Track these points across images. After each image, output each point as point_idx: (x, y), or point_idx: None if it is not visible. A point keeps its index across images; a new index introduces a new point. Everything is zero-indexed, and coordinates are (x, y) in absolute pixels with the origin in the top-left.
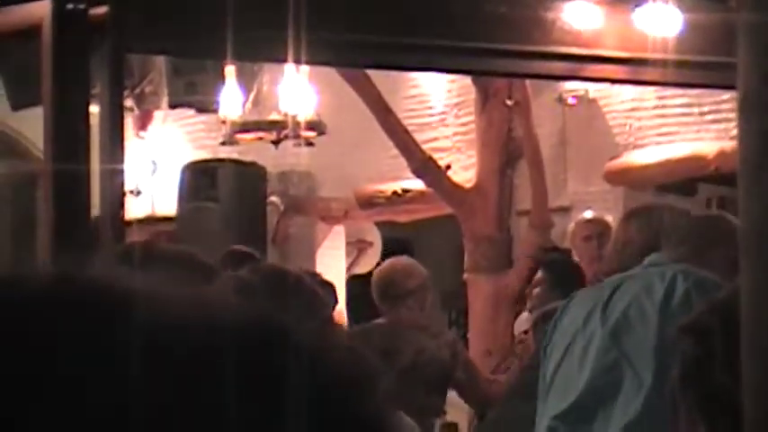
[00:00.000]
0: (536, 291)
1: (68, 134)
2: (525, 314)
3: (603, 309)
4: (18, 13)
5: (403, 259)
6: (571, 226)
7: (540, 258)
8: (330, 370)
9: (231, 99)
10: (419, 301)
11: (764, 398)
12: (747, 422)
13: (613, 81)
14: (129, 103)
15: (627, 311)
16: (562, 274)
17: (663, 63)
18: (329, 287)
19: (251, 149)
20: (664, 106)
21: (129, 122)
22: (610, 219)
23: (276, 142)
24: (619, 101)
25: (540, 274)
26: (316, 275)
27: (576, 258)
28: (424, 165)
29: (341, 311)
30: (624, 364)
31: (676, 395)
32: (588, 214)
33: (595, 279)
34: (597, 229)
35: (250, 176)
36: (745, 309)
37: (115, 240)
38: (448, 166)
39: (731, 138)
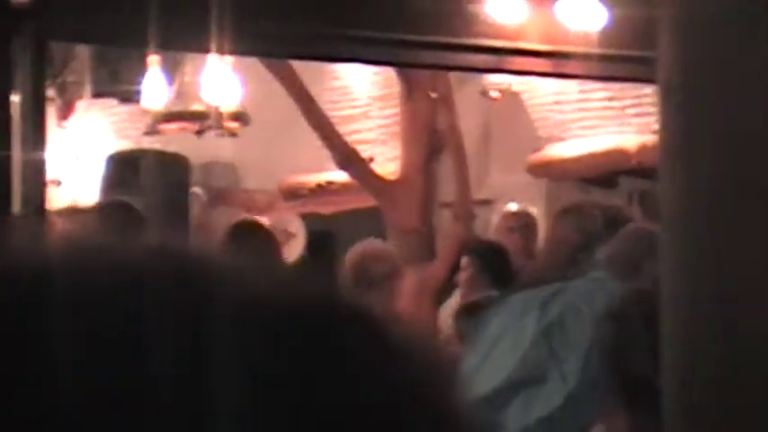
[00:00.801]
0: (464, 275)
1: None
2: (452, 301)
3: (541, 308)
4: None
5: (375, 243)
6: (495, 218)
7: (467, 245)
8: (418, 359)
9: (154, 89)
10: (391, 288)
11: (683, 384)
12: (667, 408)
13: (536, 74)
14: (51, 92)
15: (564, 314)
16: (490, 258)
17: (585, 56)
18: None
19: (174, 140)
20: (586, 100)
21: (52, 112)
22: (534, 211)
23: (199, 133)
24: (542, 94)
25: (465, 259)
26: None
27: None
28: (347, 157)
29: None
30: (552, 361)
31: (598, 382)
32: (513, 206)
33: (524, 274)
34: (522, 220)
35: (173, 167)
36: (666, 293)
37: (36, 230)
38: (371, 159)
39: (653, 132)
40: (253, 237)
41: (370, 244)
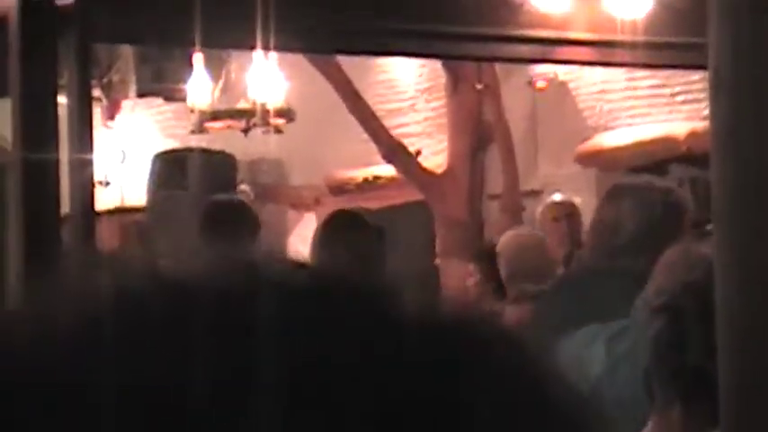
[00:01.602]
0: (472, 281)
1: (36, 125)
2: None
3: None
4: None
5: (534, 233)
6: (539, 208)
7: (474, 252)
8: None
9: (199, 87)
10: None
11: (739, 375)
12: (722, 400)
13: (583, 63)
14: (97, 92)
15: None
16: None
17: (632, 44)
18: None
19: (220, 138)
20: (634, 88)
21: (98, 112)
22: (578, 201)
23: (245, 130)
24: (589, 83)
25: (471, 266)
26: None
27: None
28: (394, 150)
29: None
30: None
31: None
32: (557, 197)
33: (569, 258)
34: (565, 210)
35: (220, 165)
36: (719, 283)
37: (86, 232)
38: (418, 152)
39: (702, 118)
40: (354, 230)
41: (525, 233)
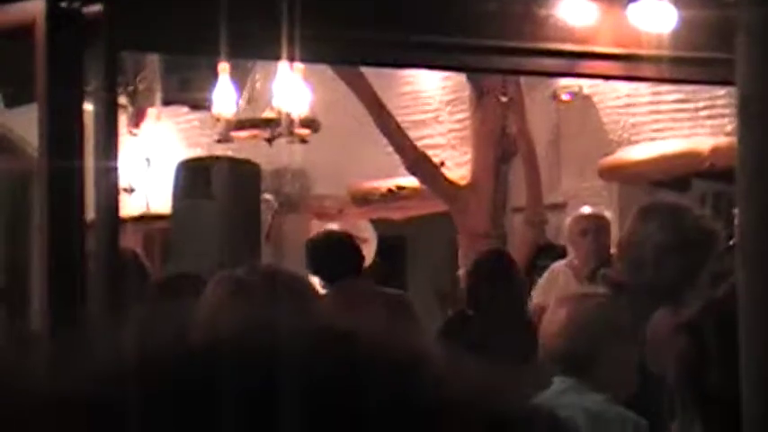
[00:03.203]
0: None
1: (62, 132)
2: None
3: None
4: (12, 12)
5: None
6: (567, 221)
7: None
8: None
9: (225, 96)
10: None
11: (764, 395)
12: (746, 420)
13: (607, 77)
14: (122, 100)
15: None
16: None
17: (657, 59)
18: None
19: (245, 147)
20: (658, 102)
21: (123, 120)
22: (608, 214)
23: (270, 140)
24: (613, 97)
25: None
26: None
27: (571, 252)
28: (418, 162)
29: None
30: None
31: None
32: (586, 210)
33: (594, 274)
34: (594, 223)
35: (244, 174)
36: (743, 306)
37: (111, 239)
38: (442, 163)
39: (726, 134)
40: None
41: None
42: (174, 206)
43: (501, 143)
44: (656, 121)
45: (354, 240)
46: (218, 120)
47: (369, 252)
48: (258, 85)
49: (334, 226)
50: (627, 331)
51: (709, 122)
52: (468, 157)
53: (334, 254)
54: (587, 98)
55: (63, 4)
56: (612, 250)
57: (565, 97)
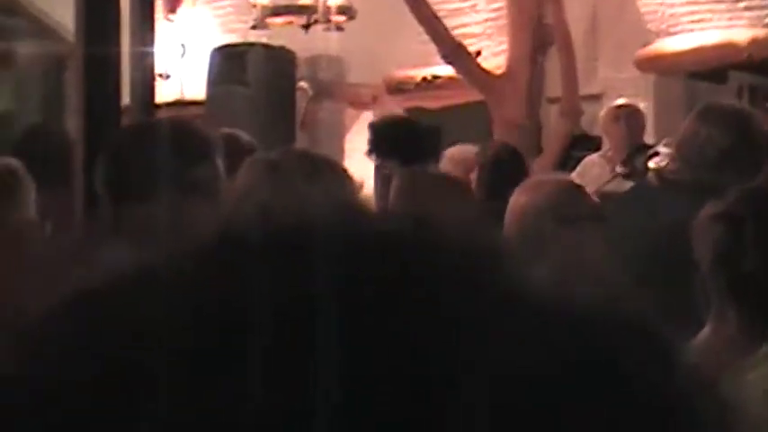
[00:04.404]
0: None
1: (99, 17)
2: None
3: None
4: None
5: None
6: (602, 112)
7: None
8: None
9: None
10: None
11: None
12: None
13: None
14: None
15: None
16: (501, 163)
17: None
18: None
19: (281, 34)
20: None
21: (159, 5)
22: (642, 105)
23: (306, 26)
24: None
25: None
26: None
27: (606, 143)
28: (453, 51)
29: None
30: None
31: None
32: (620, 101)
33: (629, 160)
34: (626, 111)
35: (279, 61)
36: None
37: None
38: (478, 53)
39: (764, 25)
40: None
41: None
42: (209, 92)
43: (537, 33)
44: (694, 12)
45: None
46: (254, 6)
47: None
48: None
49: (368, 114)
50: (582, 217)
51: (747, 14)
52: (505, 46)
53: (417, 135)
54: None
55: None
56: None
57: None
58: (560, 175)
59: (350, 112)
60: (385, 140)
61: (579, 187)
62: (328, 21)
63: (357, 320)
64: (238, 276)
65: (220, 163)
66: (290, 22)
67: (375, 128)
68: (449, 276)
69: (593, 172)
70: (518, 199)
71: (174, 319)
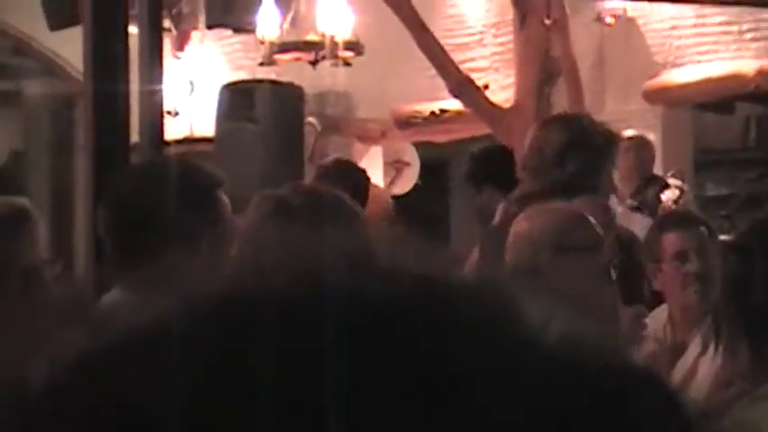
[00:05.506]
0: None
1: (107, 54)
2: None
3: None
4: None
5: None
6: None
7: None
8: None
9: (269, 19)
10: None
11: None
12: None
13: (652, 0)
14: (166, 23)
15: None
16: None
17: None
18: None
19: (289, 70)
20: (703, 24)
21: (167, 43)
22: (651, 137)
23: (314, 63)
24: (657, 20)
25: None
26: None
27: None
28: (461, 85)
29: None
30: None
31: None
32: (628, 132)
33: (638, 192)
34: (636, 141)
35: (288, 97)
36: None
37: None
38: (486, 86)
39: None
40: None
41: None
42: (217, 129)
43: (545, 66)
44: (701, 43)
45: None
46: (261, 43)
47: (411, 175)
48: (302, 7)
49: (377, 149)
50: (580, 244)
51: (754, 45)
52: (512, 79)
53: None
54: (631, 21)
55: None
56: (666, 174)
57: (609, 20)
58: (566, 204)
59: (358, 146)
60: (497, 167)
61: (583, 217)
62: (336, 56)
63: (361, 405)
64: (237, 346)
65: (226, 200)
66: (298, 59)
67: (480, 157)
68: (459, 342)
69: None
70: (520, 225)
71: (173, 395)
